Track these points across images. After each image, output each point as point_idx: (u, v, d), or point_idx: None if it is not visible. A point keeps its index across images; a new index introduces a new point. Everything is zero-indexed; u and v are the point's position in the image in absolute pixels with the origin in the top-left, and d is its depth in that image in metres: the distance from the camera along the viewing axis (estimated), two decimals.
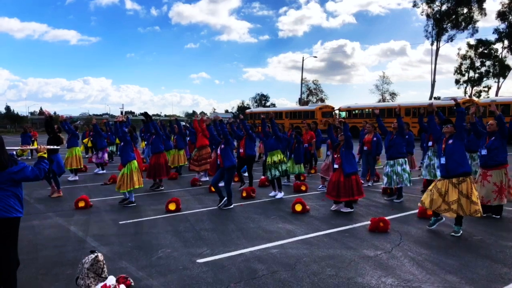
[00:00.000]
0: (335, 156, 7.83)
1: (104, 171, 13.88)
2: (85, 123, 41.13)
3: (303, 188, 10.01)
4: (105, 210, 8.03)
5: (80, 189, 10.44)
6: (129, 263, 5.04)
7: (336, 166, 7.74)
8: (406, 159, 8.66)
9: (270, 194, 9.37)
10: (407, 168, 8.58)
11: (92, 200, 8.61)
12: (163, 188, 10.50)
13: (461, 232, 6.11)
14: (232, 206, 8.14)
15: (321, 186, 10.22)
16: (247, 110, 53.55)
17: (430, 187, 6.32)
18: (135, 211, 7.95)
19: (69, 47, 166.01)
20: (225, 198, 8.15)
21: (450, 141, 6.17)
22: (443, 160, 6.14)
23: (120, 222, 7.05)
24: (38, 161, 4.12)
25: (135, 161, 8.56)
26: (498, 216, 7.10)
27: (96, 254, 4.27)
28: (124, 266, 4.92)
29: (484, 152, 7.13)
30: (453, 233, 6.10)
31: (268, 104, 74.92)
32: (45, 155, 4.24)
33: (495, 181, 6.95)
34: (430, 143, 9.19)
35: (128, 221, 7.11)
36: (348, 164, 7.55)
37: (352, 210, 7.68)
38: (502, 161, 7.02)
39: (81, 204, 8.17)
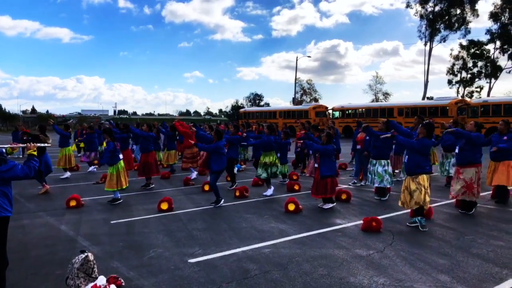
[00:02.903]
0: (317, 155, 8.03)
1: (93, 168, 13.79)
2: (78, 122, 40.84)
3: (296, 187, 10.00)
4: (97, 210, 7.96)
5: (72, 188, 10.35)
6: (120, 263, 5.00)
7: (316, 165, 7.94)
8: (388, 160, 8.81)
9: (264, 193, 9.36)
10: (389, 169, 8.73)
11: (83, 199, 8.53)
12: (153, 186, 10.45)
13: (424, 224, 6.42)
14: (222, 203, 8.16)
15: None
16: (241, 110, 53.52)
17: (402, 188, 6.68)
18: (126, 210, 7.90)
19: (61, 45, 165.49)
20: (220, 199, 8.20)
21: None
22: (405, 159, 6.58)
23: (112, 222, 6.99)
24: (28, 159, 4.07)
25: (121, 162, 8.55)
26: (470, 212, 7.34)
27: (86, 254, 4.22)
28: (115, 266, 4.87)
29: (456, 150, 7.49)
30: (413, 224, 6.49)
31: (262, 103, 74.93)
32: (35, 153, 4.19)
33: (464, 177, 7.26)
34: None
35: (120, 221, 7.06)
36: (325, 167, 7.72)
37: (334, 204, 7.91)
38: (473, 161, 7.28)
39: (73, 203, 8.10)
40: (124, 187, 8.47)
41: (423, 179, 6.35)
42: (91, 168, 13.88)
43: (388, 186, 8.71)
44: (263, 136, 9.61)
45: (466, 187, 7.26)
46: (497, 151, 8.05)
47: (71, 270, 4.15)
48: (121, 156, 8.59)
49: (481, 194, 7.72)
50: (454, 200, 7.97)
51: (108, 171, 8.53)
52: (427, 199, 6.36)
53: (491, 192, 8.76)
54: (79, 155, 17.61)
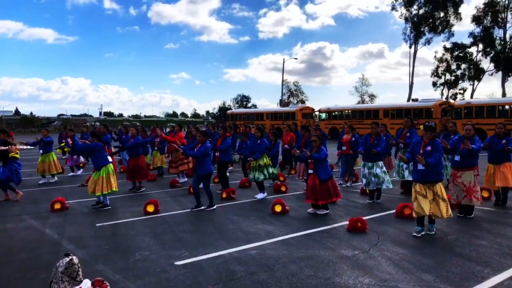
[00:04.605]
0: (309, 161, 7.68)
1: (81, 172, 13.61)
2: (62, 124, 40.28)
3: (283, 188, 10.03)
4: (82, 212, 7.88)
5: (57, 191, 10.22)
6: (106, 266, 4.96)
7: (310, 171, 7.64)
8: (382, 162, 8.73)
9: (255, 196, 9.28)
10: (385, 169, 8.67)
11: (68, 202, 8.42)
12: (144, 189, 10.38)
13: (434, 230, 6.26)
14: (215, 207, 8.07)
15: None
16: (228, 111, 53.53)
17: (413, 195, 6.22)
18: (112, 213, 7.83)
19: (45, 46, 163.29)
20: (201, 204, 8.08)
21: (429, 148, 6.13)
22: (420, 166, 6.09)
23: (97, 224, 6.93)
24: (10, 162, 4.02)
25: (110, 165, 8.33)
26: (471, 216, 7.23)
27: (70, 257, 4.18)
28: (101, 269, 4.84)
29: (457, 158, 7.19)
30: (428, 232, 6.21)
31: (249, 105, 75.00)
32: (18, 156, 4.14)
33: (463, 181, 7.11)
34: (401, 145, 9.25)
35: (105, 223, 7.00)
36: (323, 171, 7.51)
37: (328, 211, 7.64)
38: (472, 164, 7.18)
39: (57, 206, 7.99)
40: (114, 189, 8.21)
41: (440, 187, 6.09)
42: (77, 172, 13.64)
43: (391, 186, 8.58)
44: (264, 140, 9.41)
45: (466, 191, 7.06)
46: (497, 154, 7.93)
47: (55, 274, 4.11)
48: (110, 159, 8.43)
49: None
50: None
51: (95, 174, 8.17)
52: (445, 209, 6.04)
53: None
54: (64, 157, 17.39)
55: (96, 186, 8.09)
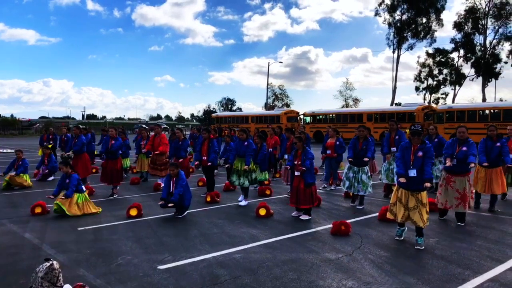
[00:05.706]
0: (296, 163, 7.64)
1: (52, 178, 13.04)
2: (44, 126, 39.65)
3: (267, 192, 10.03)
4: (63, 216, 7.74)
5: (37, 195, 10.02)
6: (87, 270, 4.89)
7: (297, 173, 7.55)
8: (368, 166, 8.69)
9: (240, 203, 9.18)
10: (369, 175, 8.67)
11: (49, 206, 8.27)
12: (116, 195, 9.97)
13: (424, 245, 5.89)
14: (185, 213, 7.89)
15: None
16: (213, 114, 53.47)
17: (393, 199, 6.10)
18: (94, 217, 7.72)
19: (27, 47, 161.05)
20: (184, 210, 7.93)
21: (420, 154, 5.85)
22: (412, 173, 5.81)
23: (79, 229, 6.82)
24: None
25: (85, 193, 8.18)
26: (463, 224, 7.06)
27: (51, 262, 4.11)
28: (82, 274, 4.76)
29: (454, 162, 6.96)
30: (418, 247, 5.79)
31: (234, 108, 75.03)
32: None
33: (458, 188, 6.95)
34: (394, 149, 9.22)
35: (87, 227, 6.90)
36: (310, 175, 7.49)
37: (310, 217, 7.55)
38: (468, 170, 6.95)
39: (38, 210, 7.85)
40: (99, 211, 8.09)
41: (425, 195, 5.88)
42: (50, 178, 13.12)
43: (371, 191, 8.53)
44: (250, 143, 9.16)
45: (460, 198, 6.91)
46: (492, 159, 7.83)
47: (35, 279, 4.03)
48: (84, 188, 8.30)
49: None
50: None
51: (71, 197, 7.91)
52: (425, 216, 5.83)
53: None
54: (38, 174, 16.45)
55: (70, 206, 7.83)
